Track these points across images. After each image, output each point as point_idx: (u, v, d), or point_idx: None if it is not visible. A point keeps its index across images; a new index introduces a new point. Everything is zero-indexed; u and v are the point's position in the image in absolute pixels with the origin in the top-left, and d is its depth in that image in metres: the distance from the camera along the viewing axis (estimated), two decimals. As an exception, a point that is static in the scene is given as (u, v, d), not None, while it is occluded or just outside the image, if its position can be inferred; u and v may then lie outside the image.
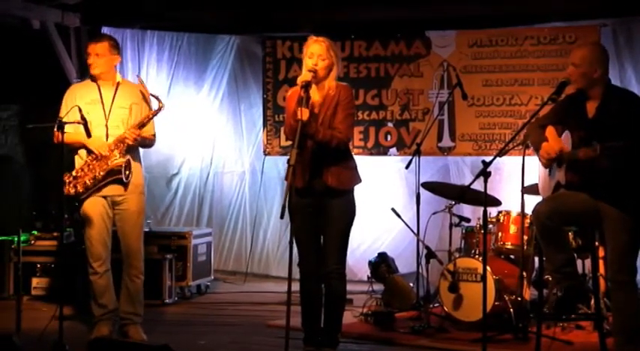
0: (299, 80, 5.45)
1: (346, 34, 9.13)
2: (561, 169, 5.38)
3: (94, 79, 6.19)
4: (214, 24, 9.33)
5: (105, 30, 8.75)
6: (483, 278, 5.49)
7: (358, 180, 5.66)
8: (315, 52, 5.51)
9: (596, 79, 5.25)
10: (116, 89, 6.19)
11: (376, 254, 7.93)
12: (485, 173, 5.12)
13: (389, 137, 9.02)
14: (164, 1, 8.79)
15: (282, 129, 9.01)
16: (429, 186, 7.25)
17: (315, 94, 5.55)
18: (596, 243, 5.72)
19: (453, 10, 8.54)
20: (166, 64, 9.38)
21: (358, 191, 5.70)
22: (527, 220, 6.53)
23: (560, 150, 5.28)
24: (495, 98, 8.73)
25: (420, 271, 6.97)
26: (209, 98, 9.60)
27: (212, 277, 8.79)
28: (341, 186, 5.55)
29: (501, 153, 5.34)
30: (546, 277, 6.00)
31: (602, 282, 6.00)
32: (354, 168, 5.66)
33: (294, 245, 5.40)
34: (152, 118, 6.24)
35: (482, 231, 5.45)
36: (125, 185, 6.12)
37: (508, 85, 8.71)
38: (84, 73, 6.74)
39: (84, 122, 5.88)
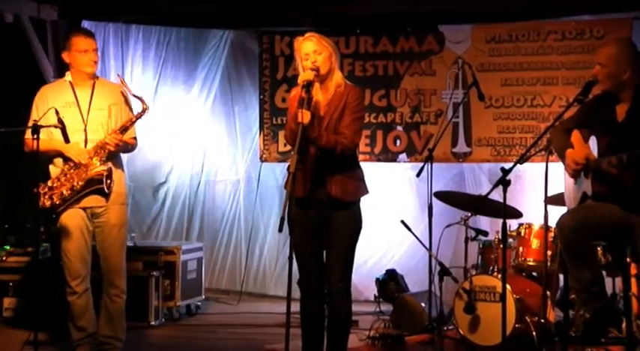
0: (300, 80, 5.45)
1: (351, 28, 9.17)
2: (588, 178, 5.36)
3: (70, 76, 6.16)
4: (206, 17, 9.33)
5: (85, 24, 8.77)
6: (503, 298, 5.43)
7: (365, 191, 5.66)
8: (308, 50, 5.52)
9: (626, 80, 5.24)
10: (93, 89, 6.16)
11: (384, 271, 7.94)
12: (504, 182, 5.11)
13: (398, 142, 9.02)
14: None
15: (280, 133, 9.05)
16: (443, 196, 7.25)
17: (320, 95, 5.56)
18: (628, 259, 5.65)
19: (469, 2, 8.56)
20: (153, 62, 9.42)
21: (365, 201, 5.69)
22: (551, 234, 6.52)
23: (586, 157, 5.27)
24: (515, 99, 8.75)
25: (433, 289, 6.92)
26: (200, 99, 9.62)
27: (203, 297, 8.78)
28: (346, 197, 5.54)
29: (522, 159, 5.32)
30: (572, 296, 5.90)
31: (634, 302, 5.99)
32: (360, 178, 5.66)
33: (294, 261, 5.36)
34: (135, 121, 6.23)
35: (502, 246, 5.40)
36: (106, 196, 6.10)
37: (529, 84, 8.73)
38: (62, 71, 6.71)
39: (62, 126, 5.85)
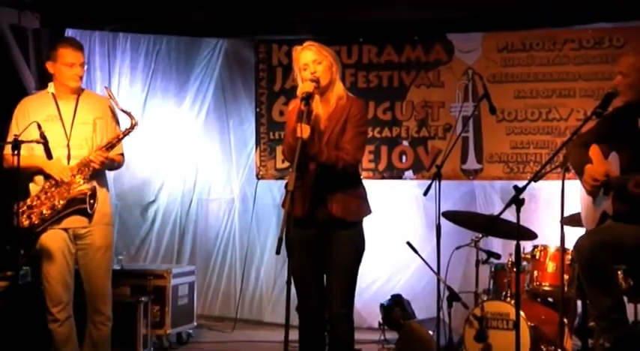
0: (298, 92, 5.45)
1: (354, 36, 9.18)
2: (608, 196, 5.35)
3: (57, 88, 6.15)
4: (199, 25, 9.31)
5: (69, 33, 8.80)
6: (516, 325, 5.42)
7: (368, 210, 5.67)
8: (308, 59, 5.54)
9: (649, 90, 5.19)
10: (77, 102, 6.16)
11: (389, 296, 7.90)
12: (517, 201, 5.11)
13: (404, 158, 9.03)
14: (139, -2, 8.71)
15: (277, 148, 9.04)
16: (452, 215, 7.23)
17: (320, 108, 5.57)
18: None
19: (480, 9, 8.52)
20: (142, 73, 9.42)
21: (368, 221, 5.69)
22: (568, 257, 6.51)
23: (606, 174, 5.25)
24: (529, 112, 8.75)
25: (441, 316, 6.85)
26: (192, 112, 9.63)
27: (195, 324, 8.73)
28: (347, 217, 5.54)
29: (537, 177, 5.32)
30: (591, 324, 5.92)
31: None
32: (363, 196, 5.66)
33: (292, 285, 5.30)
34: (123, 138, 6.23)
35: (515, 269, 5.39)
36: (90, 216, 6.07)
37: (544, 96, 8.73)
38: (44, 82, 6.70)
39: (44, 141, 5.85)
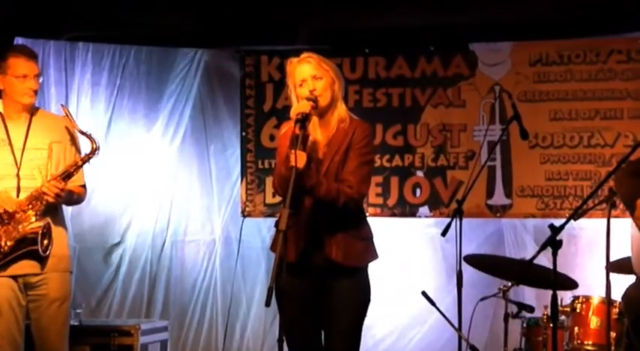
0: (293, 113, 5.42)
1: (358, 47, 9.16)
2: (665, 237, 5.29)
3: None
4: (173, 33, 9.34)
5: (19, 42, 8.77)
6: (553, 393, 5.34)
7: (374, 254, 5.65)
8: (305, 74, 5.52)
9: None
10: (29, 123, 6.17)
11: (401, 356, 7.81)
12: (554, 242, 5.11)
13: (418, 192, 9.04)
14: (103, 1, 8.75)
15: (267, 180, 9.07)
16: (475, 260, 7.22)
17: (318, 133, 5.56)
18: None
19: (508, 13, 8.53)
20: (105, 90, 9.39)
21: (375, 267, 5.67)
22: (616, 310, 6.49)
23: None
24: (568, 137, 8.77)
25: (463, 381, 6.81)
26: (165, 137, 9.61)
27: (168, 390, 8.59)
28: (350, 262, 5.51)
29: (577, 214, 5.37)
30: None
31: None
32: (368, 237, 5.65)
33: (284, 344, 5.36)
34: (82, 165, 6.24)
35: (552, 325, 5.35)
36: (43, 261, 6.05)
37: (586, 118, 8.75)
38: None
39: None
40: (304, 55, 5.58)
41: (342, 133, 5.54)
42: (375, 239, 5.67)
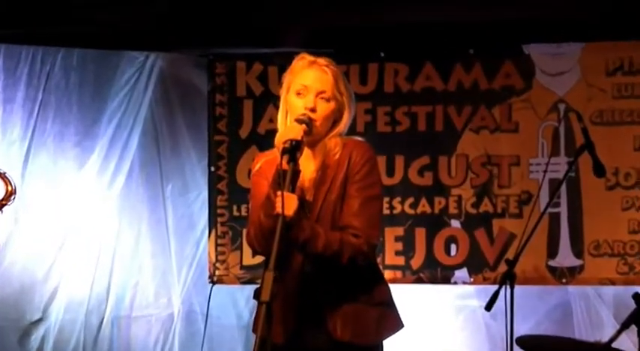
0: (278, 140, 4.77)
1: (370, 50, 8.36)
2: None
3: None
4: (116, 31, 8.61)
5: None
6: None
7: (395, 325, 5.00)
8: (310, 82, 4.89)
9: None
10: None
11: None
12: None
13: (453, 249, 8.30)
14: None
15: (244, 233, 7.96)
16: (533, 344, 6.62)
17: (309, 165, 4.93)
18: None
19: (576, 5, 7.95)
20: (22, 108, 8.58)
21: (393, 345, 5.03)
22: None
23: None
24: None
25: None
26: (104, 175, 8.83)
27: None
28: (361, 339, 4.88)
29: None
30: None
31: None
32: (384, 302, 5.04)
33: None
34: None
35: None
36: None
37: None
38: None
39: None
40: (323, 60, 4.96)
41: (335, 162, 4.91)
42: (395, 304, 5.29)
